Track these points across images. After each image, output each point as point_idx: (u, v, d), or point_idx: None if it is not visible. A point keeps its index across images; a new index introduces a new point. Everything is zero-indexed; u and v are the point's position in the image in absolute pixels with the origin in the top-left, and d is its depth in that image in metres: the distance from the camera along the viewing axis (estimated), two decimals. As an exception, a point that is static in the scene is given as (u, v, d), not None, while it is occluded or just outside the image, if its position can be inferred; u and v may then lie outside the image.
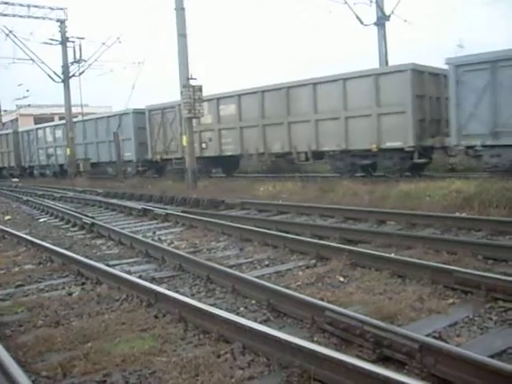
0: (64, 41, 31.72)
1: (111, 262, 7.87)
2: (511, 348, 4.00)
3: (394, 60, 24.15)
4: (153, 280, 6.61)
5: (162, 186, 20.04)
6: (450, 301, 5.21)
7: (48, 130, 35.40)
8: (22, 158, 38.76)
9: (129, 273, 6.95)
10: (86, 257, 8.07)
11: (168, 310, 5.20)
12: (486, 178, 13.48)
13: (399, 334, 3.88)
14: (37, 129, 37.31)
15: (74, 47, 31.67)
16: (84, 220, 11.86)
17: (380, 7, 24.11)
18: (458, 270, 5.64)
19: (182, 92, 19.29)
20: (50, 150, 34.95)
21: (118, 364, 4.09)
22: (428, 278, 5.77)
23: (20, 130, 40.78)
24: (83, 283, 6.81)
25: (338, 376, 3.44)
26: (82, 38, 31.62)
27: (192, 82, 19.36)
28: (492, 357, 3.73)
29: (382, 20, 24.29)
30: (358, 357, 3.85)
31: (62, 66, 31.96)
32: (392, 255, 6.89)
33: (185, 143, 20.16)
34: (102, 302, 5.84)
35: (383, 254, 6.89)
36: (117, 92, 79.75)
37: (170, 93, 29.55)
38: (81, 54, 31.60)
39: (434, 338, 4.18)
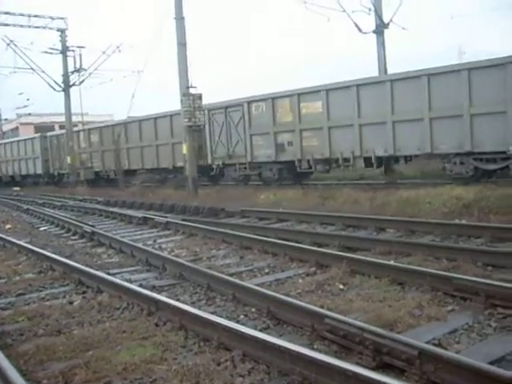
0: (64, 50, 31.80)
1: (112, 271, 7.88)
2: (510, 354, 4.02)
3: (393, 67, 24.20)
4: (153, 288, 6.63)
5: (162, 194, 20.07)
6: (450, 308, 5.23)
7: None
8: None
9: (129, 281, 6.96)
10: (87, 265, 8.08)
11: (168, 318, 5.22)
12: (485, 184, 13.53)
13: (398, 341, 3.90)
14: None
15: (74, 56, 31.77)
16: (84, 228, 11.88)
17: (378, 15, 24.17)
18: (457, 277, 5.67)
19: (182, 100, 19.33)
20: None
21: (119, 372, 4.11)
22: (427, 285, 5.78)
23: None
24: (84, 292, 6.82)
25: (338, 383, 3.46)
26: (83, 47, 31.72)
27: (192, 91, 19.42)
28: (491, 363, 3.75)
29: (380, 28, 24.35)
30: (358, 364, 3.86)
31: (63, 75, 32.04)
32: (391, 262, 6.91)
33: (185, 151, 20.19)
34: (102, 311, 5.86)
35: (383, 261, 6.91)
36: (118, 101, 79.94)
37: (170, 101, 30.23)
38: (81, 63, 31.70)
39: (434, 345, 4.20)
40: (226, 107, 21.72)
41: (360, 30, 24.45)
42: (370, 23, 24.71)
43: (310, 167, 18.99)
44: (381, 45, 24.39)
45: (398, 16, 23.99)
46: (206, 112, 21.77)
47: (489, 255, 7.00)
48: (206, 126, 22.17)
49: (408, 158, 17.17)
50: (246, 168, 21.19)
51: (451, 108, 14.97)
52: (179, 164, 23.09)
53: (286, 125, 19.42)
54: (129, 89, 56.22)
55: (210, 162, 22.53)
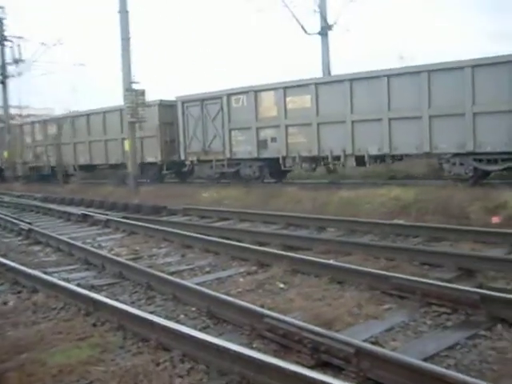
0: (2, 40, 30.77)
1: (49, 270, 7.68)
2: (443, 351, 4.15)
3: (337, 69, 24.52)
4: (92, 288, 6.50)
5: (103, 192, 19.70)
6: (387, 306, 5.35)
7: None
8: None
9: (67, 280, 6.80)
10: (23, 264, 7.82)
11: (107, 318, 5.13)
12: (424, 186, 13.88)
13: (336, 340, 3.96)
14: None
15: (12, 47, 30.75)
16: (21, 226, 11.52)
17: (323, 17, 24.45)
18: (394, 276, 5.80)
19: (124, 96, 19.06)
20: None
21: (54, 375, 4.00)
22: (366, 284, 5.90)
23: None
24: (19, 292, 6.63)
25: (277, 382, 3.48)
26: (21, 38, 30.68)
27: (135, 86, 19.18)
28: (425, 360, 3.86)
29: (325, 29, 24.64)
30: (297, 363, 3.90)
31: (0, 66, 30.99)
32: (331, 261, 7.00)
33: (127, 148, 19.92)
34: (38, 311, 5.71)
35: (323, 260, 7.01)
36: (61, 94, 78.14)
37: (113, 95, 29.58)
38: (20, 54, 30.70)
39: (371, 342, 4.28)
40: (203, 100, 20.39)
41: (305, 31, 24.67)
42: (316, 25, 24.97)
43: (295, 165, 18.33)
44: (325, 47, 24.68)
45: (345, 17, 24.21)
46: (180, 104, 21.01)
47: (425, 254, 7.20)
48: (180, 120, 21.13)
49: (398, 157, 16.60)
50: (223, 165, 19.97)
51: (452, 106, 14.34)
52: (149, 159, 22.08)
53: (270, 120, 18.41)
54: (70, 82, 54.90)
55: (182, 157, 21.31)
